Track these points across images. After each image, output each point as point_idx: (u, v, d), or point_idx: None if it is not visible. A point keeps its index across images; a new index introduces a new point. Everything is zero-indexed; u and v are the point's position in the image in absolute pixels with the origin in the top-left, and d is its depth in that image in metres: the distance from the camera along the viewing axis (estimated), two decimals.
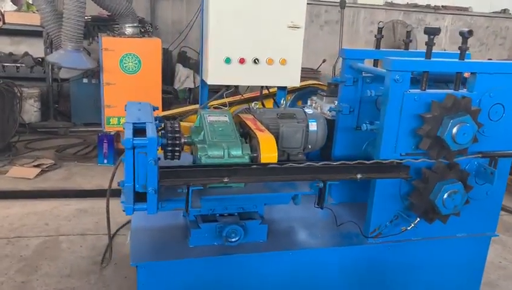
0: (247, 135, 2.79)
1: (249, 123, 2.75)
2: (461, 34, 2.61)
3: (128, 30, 6.24)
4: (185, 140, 2.70)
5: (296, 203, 2.87)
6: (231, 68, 2.98)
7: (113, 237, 4.30)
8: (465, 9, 11.29)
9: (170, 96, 8.42)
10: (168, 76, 8.77)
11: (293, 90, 5.23)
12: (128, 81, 6.25)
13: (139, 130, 2.33)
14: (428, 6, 11.01)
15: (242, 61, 2.97)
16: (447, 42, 11.17)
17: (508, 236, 4.90)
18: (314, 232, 2.96)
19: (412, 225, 2.75)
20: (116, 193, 5.18)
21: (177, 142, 2.59)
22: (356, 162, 2.54)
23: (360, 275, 2.89)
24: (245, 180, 2.36)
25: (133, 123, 2.35)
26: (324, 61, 8.98)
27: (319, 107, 4.02)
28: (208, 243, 2.69)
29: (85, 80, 7.36)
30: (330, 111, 3.22)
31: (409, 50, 3.27)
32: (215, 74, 2.99)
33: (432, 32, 2.57)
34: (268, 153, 2.48)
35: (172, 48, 9.14)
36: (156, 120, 2.59)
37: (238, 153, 2.49)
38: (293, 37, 3.01)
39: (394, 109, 2.61)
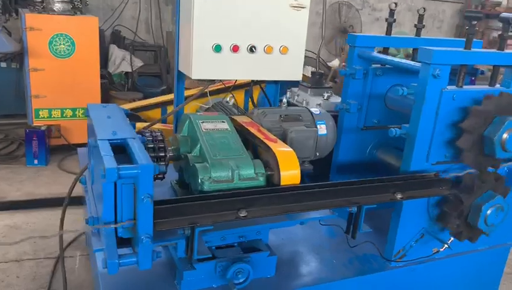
0: (245, 144, 2.20)
1: (253, 130, 2.16)
2: (503, 20, 2.19)
3: (57, 6, 5.24)
4: (171, 154, 2.07)
5: (302, 224, 2.36)
6: (222, 58, 2.34)
7: (57, 262, 3.52)
8: None
9: (104, 81, 7.47)
10: (101, 58, 7.79)
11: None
12: (60, 67, 5.30)
13: (117, 150, 1.66)
14: None
15: (235, 49, 2.33)
16: None
17: None
18: (326, 257, 2.46)
19: (446, 246, 2.34)
20: (55, 202, 4.37)
21: (162, 161, 1.96)
22: (393, 178, 2.06)
23: None
24: (268, 212, 1.78)
25: (109, 140, 1.67)
26: None
27: (304, 101, 3.51)
28: (204, 287, 2.09)
29: (3, 64, 6.22)
30: (338, 110, 2.69)
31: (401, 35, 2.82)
32: (202, 66, 2.32)
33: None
34: (290, 171, 1.91)
35: (105, 27, 8.13)
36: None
37: (249, 174, 1.90)
38: (297, 19, 2.42)
39: (430, 110, 2.15)
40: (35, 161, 5.25)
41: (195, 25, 2.24)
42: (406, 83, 2.73)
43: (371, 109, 2.73)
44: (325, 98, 3.33)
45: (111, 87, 7.59)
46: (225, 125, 2.10)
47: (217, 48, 2.29)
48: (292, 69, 2.51)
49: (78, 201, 3.26)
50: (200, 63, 2.31)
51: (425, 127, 2.17)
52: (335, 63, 8.70)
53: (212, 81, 2.50)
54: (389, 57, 2.55)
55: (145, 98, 6.64)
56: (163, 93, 7.66)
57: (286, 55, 2.44)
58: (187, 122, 2.13)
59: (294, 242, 2.57)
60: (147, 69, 8.16)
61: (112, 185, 1.53)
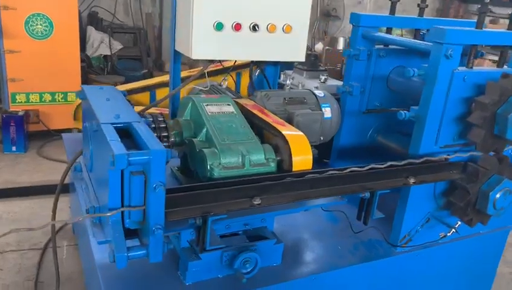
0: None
1: (258, 113, 2.06)
2: None
3: None
4: (173, 139, 1.95)
5: (306, 210, 2.29)
6: (223, 37, 2.21)
7: (44, 253, 3.38)
8: None
9: (83, 64, 7.20)
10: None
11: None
12: (38, 49, 5.06)
13: (120, 134, 1.53)
14: None
15: (238, 27, 2.21)
16: (371, 8, 11.06)
17: None
18: (331, 244, 2.39)
19: (453, 230, 2.31)
20: (37, 190, 4.19)
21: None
22: (405, 162, 1.99)
23: (387, 289, 2.42)
24: (282, 199, 1.69)
25: (112, 124, 1.54)
26: None
27: (300, 84, 3.41)
28: (210, 277, 2.00)
29: None
30: (340, 93, 2.61)
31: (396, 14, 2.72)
32: (202, 45, 2.19)
33: None
34: (302, 156, 1.82)
35: (82, 9, 7.80)
36: None
37: (260, 159, 1.80)
38: None
39: (441, 91, 2.09)
40: (13, 148, 5.02)
41: (196, 1, 2.10)
42: (408, 65, 2.67)
43: (373, 92, 2.66)
44: (322, 80, 3.25)
45: (90, 70, 7.33)
46: (231, 108, 1.99)
47: (219, 26, 2.16)
48: (295, 49, 2.39)
49: (63, 189, 3.12)
50: (201, 42, 2.18)
51: (436, 110, 2.11)
52: (319, 46, 8.62)
53: (211, 62, 2.37)
54: (397, 37, 2.47)
55: (126, 82, 6.43)
56: (144, 76, 7.45)
57: (289, 35, 2.33)
58: (189, 105, 2.01)
59: (297, 229, 2.50)
60: (126, 52, 7.90)
61: (119, 173, 1.42)
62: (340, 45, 7.46)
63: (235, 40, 2.24)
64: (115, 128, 1.54)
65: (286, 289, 2.07)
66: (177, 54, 2.53)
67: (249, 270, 1.99)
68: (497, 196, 2.16)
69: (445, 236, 2.34)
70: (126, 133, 1.60)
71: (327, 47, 7.37)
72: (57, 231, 3.59)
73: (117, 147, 1.36)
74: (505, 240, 2.83)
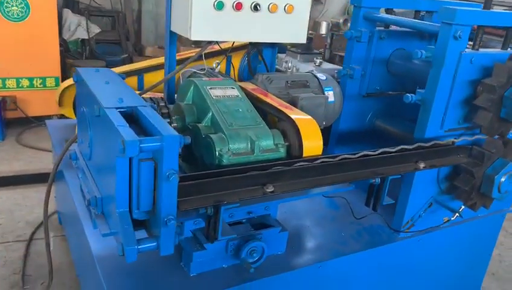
0: None
1: (263, 97, 1.97)
2: None
3: None
4: (175, 125, 1.85)
5: (308, 197, 2.23)
6: (223, 17, 2.10)
7: (29, 244, 3.25)
8: None
9: (60, 48, 6.93)
10: None
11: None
12: (14, 31, 4.83)
13: (127, 120, 1.43)
14: None
15: (239, 6, 2.10)
16: None
17: None
18: (333, 230, 2.35)
19: (457, 214, 2.29)
20: (18, 180, 4.01)
21: None
22: (414, 147, 1.95)
23: (390, 274, 2.40)
24: (296, 186, 1.61)
25: (117, 108, 1.44)
26: None
27: (294, 68, 3.32)
28: (215, 267, 1.93)
29: None
30: (340, 76, 2.54)
31: None
32: (202, 25, 2.08)
33: None
34: (313, 141, 1.75)
35: None
36: None
37: (269, 145, 1.72)
38: None
39: (449, 73, 2.04)
40: None
41: None
42: (408, 47, 2.63)
43: (374, 75, 2.60)
44: (317, 64, 3.18)
45: (67, 55, 7.06)
46: (235, 92, 1.90)
47: (219, 5, 2.05)
48: (297, 30, 2.30)
49: (46, 178, 2.98)
50: (200, 22, 2.06)
51: (442, 92, 2.07)
52: None
53: (209, 43, 2.26)
54: (402, 18, 2.40)
55: (107, 66, 6.21)
56: (124, 61, 7.24)
57: (291, 15, 2.24)
58: (191, 88, 1.90)
59: (298, 215, 2.45)
60: (104, 36, 7.64)
61: (127, 161, 1.32)
62: (323, 30, 7.34)
63: (236, 20, 2.13)
64: (120, 112, 1.43)
65: (293, 278, 2.02)
66: (172, 36, 2.40)
67: (255, 259, 1.92)
68: (502, 179, 2.15)
69: (448, 220, 2.32)
70: (130, 118, 1.49)
71: (310, 31, 7.28)
72: (42, 222, 3.45)
73: (127, 132, 1.25)
74: (501, 223, 2.85)
